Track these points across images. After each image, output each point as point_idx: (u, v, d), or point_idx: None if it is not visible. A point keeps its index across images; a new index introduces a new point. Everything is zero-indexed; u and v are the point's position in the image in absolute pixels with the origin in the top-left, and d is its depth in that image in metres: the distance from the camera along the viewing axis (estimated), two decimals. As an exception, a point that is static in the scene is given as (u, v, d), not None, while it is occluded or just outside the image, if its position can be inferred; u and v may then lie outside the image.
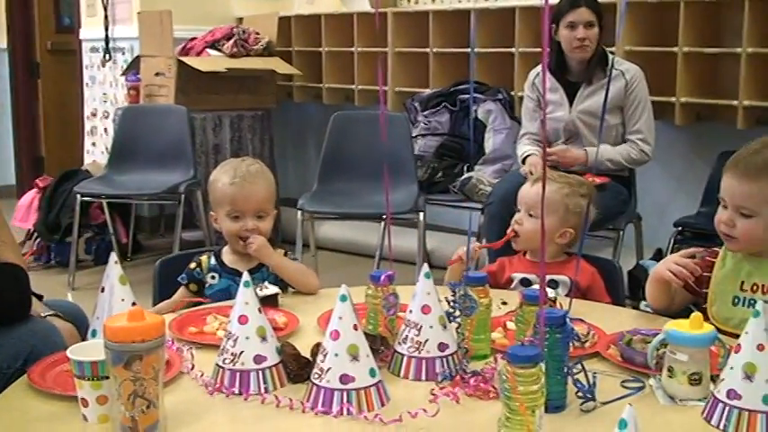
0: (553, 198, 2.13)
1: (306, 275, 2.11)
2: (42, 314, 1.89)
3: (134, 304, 1.59)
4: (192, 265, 2.14)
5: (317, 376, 1.39)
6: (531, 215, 2.16)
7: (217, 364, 1.49)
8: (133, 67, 5.11)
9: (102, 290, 1.66)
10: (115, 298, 1.63)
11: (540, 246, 1.34)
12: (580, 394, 1.40)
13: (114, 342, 1.23)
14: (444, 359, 1.52)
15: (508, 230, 2.19)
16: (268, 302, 1.84)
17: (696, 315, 1.45)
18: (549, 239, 2.13)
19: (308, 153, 5.78)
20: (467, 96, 4.32)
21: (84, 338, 1.84)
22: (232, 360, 1.46)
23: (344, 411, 1.36)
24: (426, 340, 1.52)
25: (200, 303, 2.03)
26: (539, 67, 3.71)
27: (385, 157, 2.28)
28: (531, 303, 1.52)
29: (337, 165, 4.19)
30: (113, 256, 1.68)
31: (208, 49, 4.93)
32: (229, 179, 2.09)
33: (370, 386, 1.39)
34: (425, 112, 4.41)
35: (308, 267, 2.19)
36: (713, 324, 1.57)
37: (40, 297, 1.95)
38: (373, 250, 4.52)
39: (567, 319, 1.40)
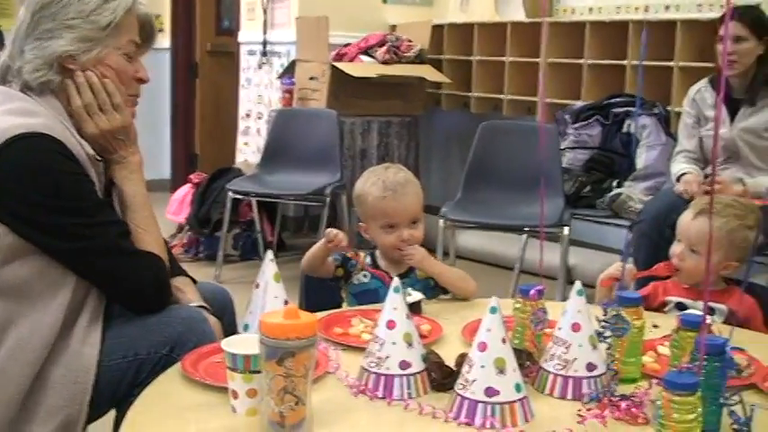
0: (718, 235, 2.02)
1: (466, 281, 2.11)
2: (193, 304, 1.88)
3: (286, 302, 1.63)
4: (350, 254, 2.15)
5: (461, 387, 1.38)
6: (693, 251, 2.07)
7: (362, 367, 1.51)
8: (289, 70, 5.26)
9: (257, 286, 1.70)
10: (269, 295, 1.67)
11: (704, 281, 1.29)
12: (735, 426, 1.33)
13: (269, 338, 1.26)
14: (592, 380, 1.48)
15: (672, 261, 2.10)
16: (412, 309, 1.83)
17: None
18: (712, 274, 2.04)
19: (452, 161, 5.78)
20: (620, 110, 4.21)
21: (226, 325, 1.87)
22: (378, 364, 1.48)
23: (488, 424, 1.34)
24: (575, 359, 1.48)
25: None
26: (700, 83, 3.57)
27: (541, 170, 2.24)
28: (688, 329, 1.46)
29: (483, 174, 4.16)
30: (269, 254, 1.72)
31: (361, 56, 5.02)
32: (380, 192, 2.08)
33: (516, 401, 1.36)
34: (576, 125, 4.32)
35: (465, 272, 2.16)
36: None
37: (194, 281, 1.97)
38: (512, 262, 4.47)
39: (727, 348, 1.34)
